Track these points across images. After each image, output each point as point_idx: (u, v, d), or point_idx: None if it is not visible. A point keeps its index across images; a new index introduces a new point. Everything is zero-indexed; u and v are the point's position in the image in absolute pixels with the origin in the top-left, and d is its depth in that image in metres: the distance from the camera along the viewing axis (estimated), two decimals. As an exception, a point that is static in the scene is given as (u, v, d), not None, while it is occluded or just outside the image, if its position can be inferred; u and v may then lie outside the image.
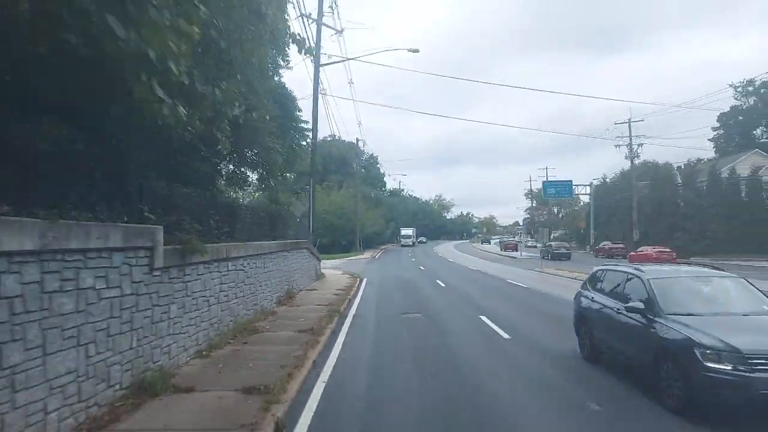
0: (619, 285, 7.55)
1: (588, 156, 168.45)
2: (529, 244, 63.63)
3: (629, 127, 48.72)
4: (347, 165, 68.90)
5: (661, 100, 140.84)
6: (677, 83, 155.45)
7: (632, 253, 35.72)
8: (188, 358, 7.48)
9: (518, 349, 9.03)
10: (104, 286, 5.35)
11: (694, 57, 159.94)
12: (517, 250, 56.50)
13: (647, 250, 34.98)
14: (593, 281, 8.61)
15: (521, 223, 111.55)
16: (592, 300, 8.13)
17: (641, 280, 7.00)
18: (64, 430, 4.66)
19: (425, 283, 22.12)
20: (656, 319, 6.21)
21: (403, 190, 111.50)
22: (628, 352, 6.90)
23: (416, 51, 24.54)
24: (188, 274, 7.59)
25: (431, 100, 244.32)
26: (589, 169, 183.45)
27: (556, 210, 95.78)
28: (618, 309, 7.13)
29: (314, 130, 22.57)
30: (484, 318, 12.10)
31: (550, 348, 9.06)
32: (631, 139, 48.84)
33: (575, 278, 23.42)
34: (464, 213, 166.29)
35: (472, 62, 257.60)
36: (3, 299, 3.98)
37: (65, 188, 4.87)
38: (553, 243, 45.53)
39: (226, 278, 9.39)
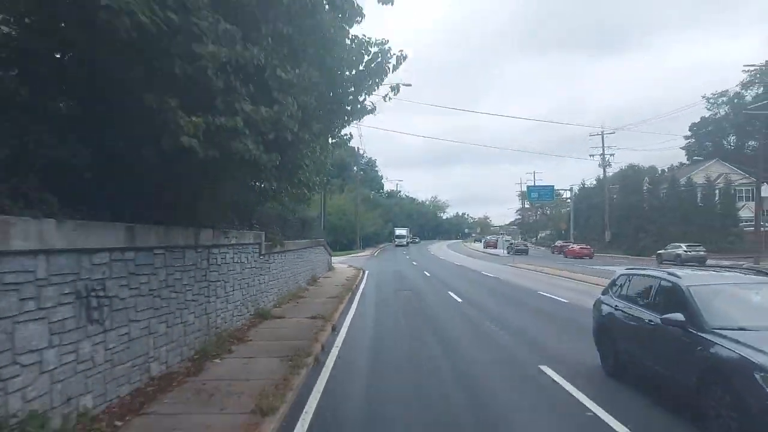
0: (650, 292, 6.77)
1: (580, 156, 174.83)
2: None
3: (602, 138, 54.53)
4: (347, 169, 74.43)
5: (660, 100, 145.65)
6: (677, 83, 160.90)
7: (566, 249, 50.57)
8: (271, 307, 13.01)
9: (463, 306, 14.64)
10: (246, 262, 10.90)
11: (694, 57, 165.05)
12: (497, 248, 62.72)
13: (573, 246, 49.70)
14: (616, 287, 7.87)
15: (515, 223, 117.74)
16: (616, 308, 7.37)
17: (679, 287, 6.16)
18: (238, 325, 10.20)
19: (415, 274, 27.75)
20: (701, 334, 5.40)
21: (400, 191, 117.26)
22: (663, 371, 6.05)
23: (409, 85, 30.09)
24: (271, 260, 13.18)
25: (431, 98, 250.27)
26: (584, 169, 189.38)
27: (548, 211, 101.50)
28: (650, 320, 6.32)
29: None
30: (450, 293, 17.70)
31: (486, 307, 14.62)
32: (603, 150, 54.63)
33: (539, 271, 29.08)
34: (460, 213, 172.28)
35: (472, 61, 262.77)
36: (223, 264, 9.50)
37: (235, 215, 10.37)
38: (514, 241, 58.68)
39: (283, 264, 14.95)
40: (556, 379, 6.98)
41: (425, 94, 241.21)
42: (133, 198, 6.14)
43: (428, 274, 27.13)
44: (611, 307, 7.55)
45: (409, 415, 5.66)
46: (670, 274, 6.73)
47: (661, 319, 5.93)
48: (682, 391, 5.64)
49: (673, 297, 6.19)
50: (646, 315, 6.50)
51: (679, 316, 5.66)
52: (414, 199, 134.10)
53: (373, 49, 7.43)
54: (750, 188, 53.81)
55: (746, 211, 50.11)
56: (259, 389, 6.00)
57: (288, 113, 5.52)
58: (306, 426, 5.26)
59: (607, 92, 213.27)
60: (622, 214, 53.07)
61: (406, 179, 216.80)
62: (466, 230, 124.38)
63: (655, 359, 6.24)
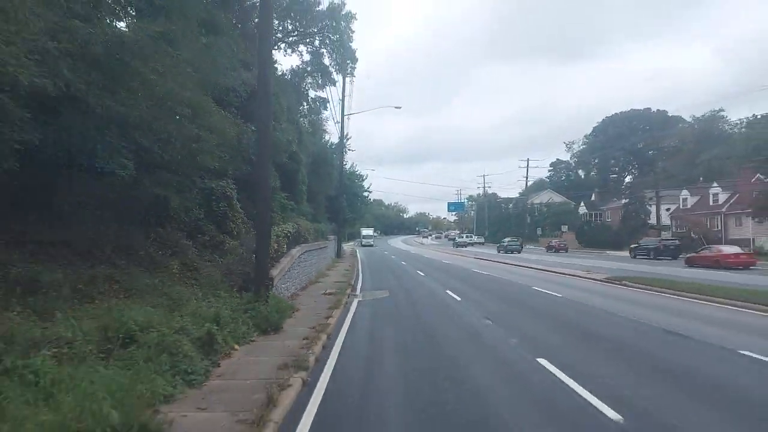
0: None
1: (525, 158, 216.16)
2: (442, 236, 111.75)
3: (483, 178, 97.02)
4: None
5: (613, 106, 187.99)
6: (631, 91, 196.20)
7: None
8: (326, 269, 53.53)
9: (390, 255, 55.58)
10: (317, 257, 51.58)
11: (648, 66, 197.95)
12: (426, 238, 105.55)
13: (433, 234, 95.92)
14: None
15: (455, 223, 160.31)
16: None
17: None
18: (304, 284, 50.78)
19: (380, 251, 68.57)
20: None
21: (371, 200, 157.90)
22: None
23: (399, 108, 68.42)
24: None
25: (408, 98, 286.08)
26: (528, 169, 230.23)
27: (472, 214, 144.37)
28: None
29: (341, 184, 68.17)
30: (385, 252, 58.57)
31: (400, 255, 55.40)
32: (484, 184, 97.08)
33: (427, 248, 70.55)
34: (422, 212, 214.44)
35: (447, 64, 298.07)
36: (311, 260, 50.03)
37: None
38: (421, 232, 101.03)
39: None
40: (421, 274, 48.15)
41: (399, 95, 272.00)
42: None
43: (381, 248, 68.14)
44: None
45: (381, 271, 46.58)
46: None
47: None
48: None
49: None
50: None
51: None
52: (381, 201, 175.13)
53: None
54: (567, 206, 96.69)
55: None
56: (348, 265, 46.74)
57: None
58: (363, 274, 46.03)
59: (570, 96, 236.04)
60: (494, 220, 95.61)
61: (376, 177, 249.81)
62: (418, 228, 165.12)
63: None
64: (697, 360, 8.58)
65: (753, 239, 43.65)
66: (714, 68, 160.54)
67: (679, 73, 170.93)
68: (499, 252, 57.02)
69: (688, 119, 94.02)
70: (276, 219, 21.62)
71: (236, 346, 8.61)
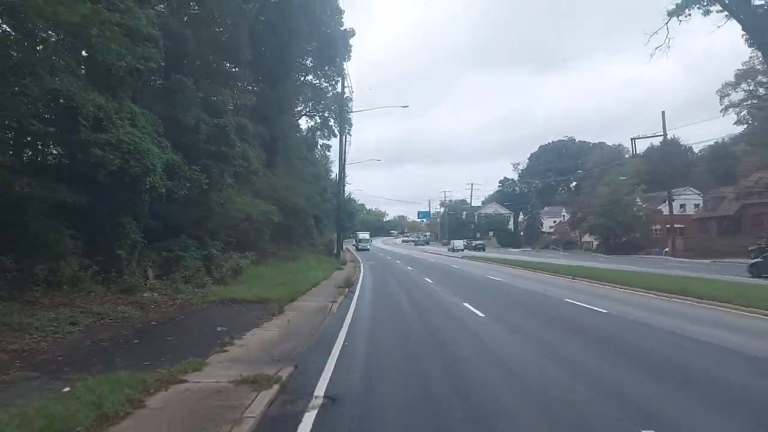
0: None
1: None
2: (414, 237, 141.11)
3: (444, 193, 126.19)
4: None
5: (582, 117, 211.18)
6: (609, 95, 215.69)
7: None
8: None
9: (376, 250, 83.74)
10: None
11: (621, 76, 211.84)
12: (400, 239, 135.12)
13: (399, 235, 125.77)
14: None
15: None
16: None
17: None
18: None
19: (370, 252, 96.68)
20: None
21: (355, 202, 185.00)
22: None
23: (379, 160, 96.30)
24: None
25: (395, 101, 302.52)
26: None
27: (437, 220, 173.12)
28: None
29: (343, 207, 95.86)
30: (379, 252, 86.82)
31: (382, 250, 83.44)
32: (445, 197, 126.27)
33: (398, 246, 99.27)
34: (400, 215, 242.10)
35: (430, 74, 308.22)
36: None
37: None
38: (394, 233, 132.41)
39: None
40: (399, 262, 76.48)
41: (384, 98, 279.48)
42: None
43: (371, 248, 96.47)
44: None
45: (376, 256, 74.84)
46: None
47: None
48: None
49: None
50: None
51: None
52: (363, 206, 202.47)
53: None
54: (499, 218, 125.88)
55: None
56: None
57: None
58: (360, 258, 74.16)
59: (547, 104, 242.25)
60: (454, 227, 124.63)
61: (359, 180, 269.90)
62: (392, 231, 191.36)
63: None
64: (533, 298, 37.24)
65: (592, 242, 73.18)
66: (681, 79, 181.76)
67: (650, 82, 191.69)
68: (416, 245, 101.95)
69: (610, 144, 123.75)
70: (325, 232, 50.16)
71: (340, 268, 36.78)
